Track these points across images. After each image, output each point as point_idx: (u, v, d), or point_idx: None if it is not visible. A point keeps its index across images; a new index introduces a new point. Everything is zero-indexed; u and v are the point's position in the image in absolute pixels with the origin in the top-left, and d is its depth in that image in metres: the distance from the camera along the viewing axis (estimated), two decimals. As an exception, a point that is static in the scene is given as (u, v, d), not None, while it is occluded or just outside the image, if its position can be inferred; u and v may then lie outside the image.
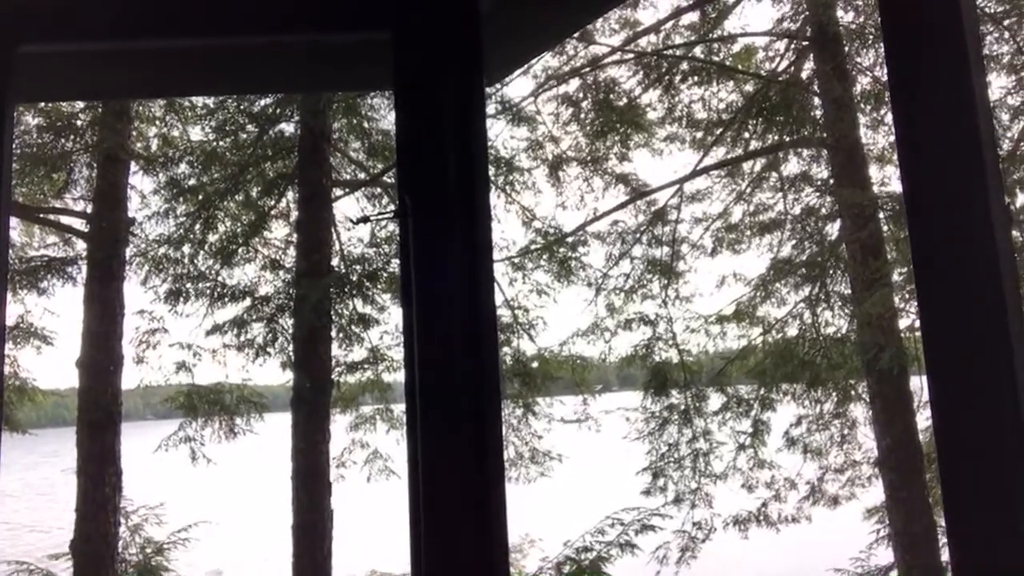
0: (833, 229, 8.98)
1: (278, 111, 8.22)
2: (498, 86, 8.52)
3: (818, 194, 9.06)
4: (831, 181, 8.79)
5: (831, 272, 8.74)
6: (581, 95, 9.18)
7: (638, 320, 9.33)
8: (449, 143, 1.38)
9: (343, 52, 1.58)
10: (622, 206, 9.50)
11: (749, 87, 9.34)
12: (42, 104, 7.57)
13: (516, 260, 9.29)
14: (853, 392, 8.82)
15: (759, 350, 9.12)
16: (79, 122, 8.10)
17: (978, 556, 0.85)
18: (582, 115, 9.23)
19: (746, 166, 9.61)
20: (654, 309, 9.34)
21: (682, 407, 9.03)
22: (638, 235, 9.44)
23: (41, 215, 8.82)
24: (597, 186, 9.46)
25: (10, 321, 8.05)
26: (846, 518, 8.88)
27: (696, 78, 9.20)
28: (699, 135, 9.48)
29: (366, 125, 8.42)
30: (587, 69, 9.25)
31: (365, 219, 9.26)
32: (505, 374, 8.73)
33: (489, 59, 1.48)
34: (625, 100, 9.23)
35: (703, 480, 8.74)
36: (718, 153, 9.52)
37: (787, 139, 9.05)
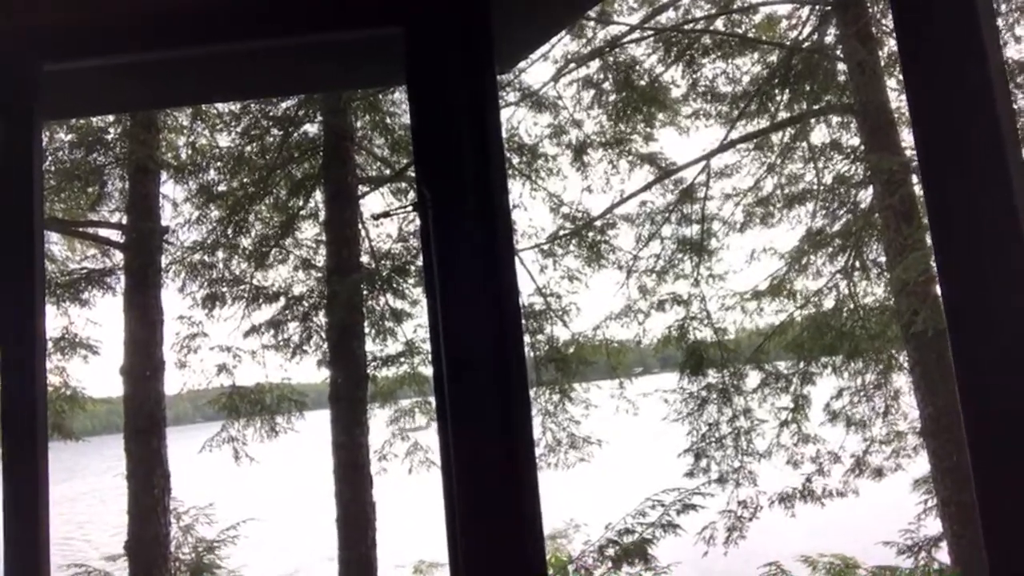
0: (865, 196, 8.82)
1: (301, 113, 8.31)
2: (517, 72, 8.50)
3: (848, 161, 8.89)
4: (861, 147, 8.62)
5: (865, 240, 8.58)
6: (602, 76, 9.10)
7: (671, 300, 9.26)
8: (464, 134, 1.39)
9: (357, 50, 1.60)
10: (649, 186, 9.42)
11: (773, 57, 9.19)
12: (72, 120, 7.74)
13: (545, 247, 9.28)
14: (894, 361, 8.67)
15: (796, 324, 9.00)
16: (109, 136, 8.27)
17: (1007, 523, 0.85)
18: (604, 97, 9.15)
19: (774, 137, 9.46)
20: (687, 289, 9.27)
21: (720, 386, 8.96)
22: (667, 215, 9.36)
23: (79, 229, 9.03)
24: (623, 168, 9.39)
25: (56, 333, 8.28)
26: (893, 490, 8.75)
27: (718, 52, 9.07)
28: (724, 109, 9.35)
29: (388, 121, 8.47)
30: (607, 50, 9.16)
31: (385, 214, 9.34)
32: (540, 361, 8.75)
33: (501, 47, 1.49)
34: (647, 79, 9.13)
35: (745, 459, 8.68)
36: (745, 126, 9.39)
37: (814, 107, 8.89)
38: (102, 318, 8.61)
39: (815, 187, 9.12)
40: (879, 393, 8.82)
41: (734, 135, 9.27)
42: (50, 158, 7.94)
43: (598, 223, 9.42)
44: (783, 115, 9.12)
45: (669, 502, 7.81)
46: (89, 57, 1.47)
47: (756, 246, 9.31)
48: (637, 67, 9.09)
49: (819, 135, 9.27)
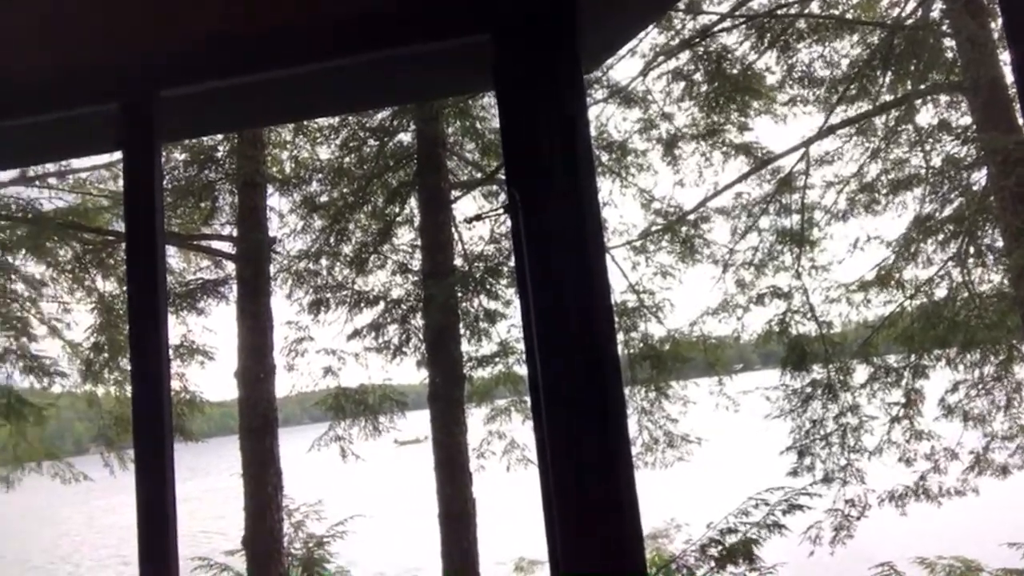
0: (978, 178, 8.29)
1: (395, 123, 8.55)
2: (604, 69, 8.45)
3: (959, 142, 8.37)
4: (973, 127, 8.10)
5: (980, 225, 8.07)
6: (692, 68, 8.92)
7: (771, 294, 9.00)
8: (552, 134, 1.41)
9: (446, 59, 1.64)
10: (745, 177, 9.18)
11: (874, 38, 8.76)
12: (185, 140, 8.22)
13: (637, 244, 9.19)
14: (1015, 352, 8.11)
15: (906, 315, 8.56)
16: (219, 153, 8.74)
17: None
18: (695, 88, 8.97)
19: (877, 121, 9.04)
20: (787, 281, 8.99)
21: (825, 382, 8.63)
22: (764, 205, 9.10)
23: (194, 242, 9.59)
24: (716, 159, 9.18)
25: (175, 340, 8.82)
26: (1020, 488, 8.19)
27: (814, 35, 8.73)
28: (823, 94, 9.00)
29: (478, 126, 8.60)
30: (696, 40, 8.98)
31: (478, 217, 9.46)
32: (634, 358, 8.67)
33: (587, 46, 1.50)
34: (739, 67, 8.89)
35: (853, 456, 8.32)
36: (845, 111, 9.01)
37: (920, 88, 8.42)
38: (217, 325, 9.13)
39: (923, 171, 8.65)
40: (999, 386, 8.27)
41: (834, 120, 8.91)
42: (166, 177, 8.47)
43: (691, 217, 9.26)
44: (886, 97, 8.70)
45: (774, 501, 7.57)
46: (199, 82, 1.58)
47: (861, 235, 8.94)
48: (729, 56, 8.86)
49: (926, 116, 8.80)
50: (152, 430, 1.48)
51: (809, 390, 8.64)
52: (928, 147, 8.67)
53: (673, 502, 9.41)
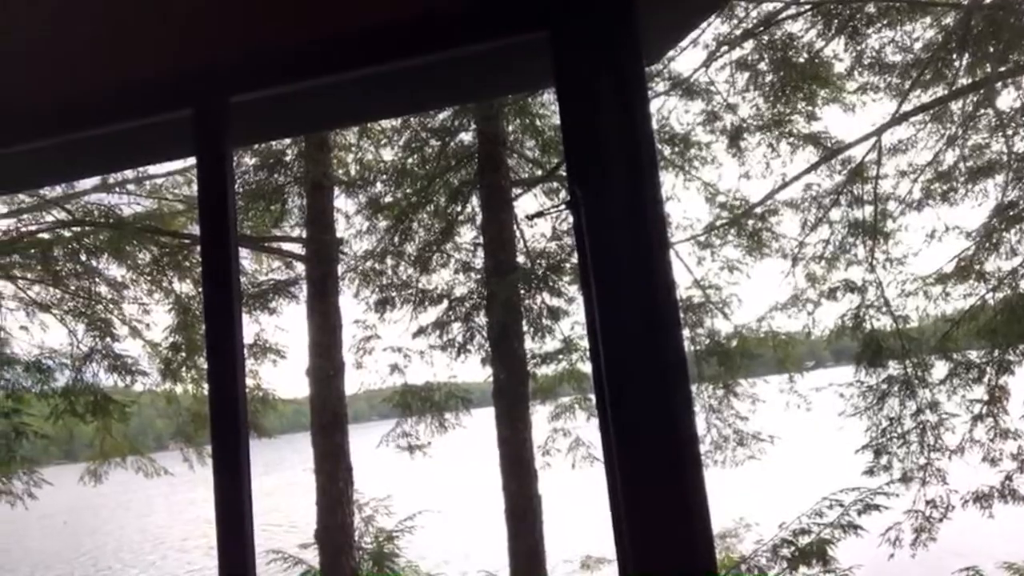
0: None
1: (456, 123, 8.62)
2: (666, 61, 8.33)
3: (1045, 126, 7.95)
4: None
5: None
6: (756, 57, 8.71)
7: (843, 288, 8.73)
8: (613, 129, 1.39)
9: (505, 57, 1.64)
10: (814, 168, 8.92)
11: (948, 19, 8.39)
12: (255, 144, 8.47)
13: (702, 238, 9.04)
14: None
15: (988, 308, 8.17)
16: (287, 157, 8.98)
17: None
18: (760, 78, 8.76)
19: (954, 106, 8.65)
20: (861, 275, 8.71)
21: (903, 378, 8.32)
22: (835, 197, 8.82)
23: (265, 243, 9.88)
24: (784, 150, 8.95)
25: (248, 339, 9.10)
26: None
27: (884, 19, 8.41)
28: (895, 80, 8.66)
29: (538, 123, 8.61)
30: (760, 29, 8.76)
31: (539, 214, 9.46)
32: (700, 355, 8.53)
33: (648, 39, 1.48)
34: (806, 55, 8.64)
35: (933, 455, 7.99)
36: (919, 97, 8.65)
37: (1000, 70, 8.02)
38: (288, 324, 9.39)
39: (1004, 157, 8.24)
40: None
41: (907, 107, 8.57)
42: (238, 181, 8.74)
43: (758, 210, 9.05)
44: (963, 81, 8.31)
45: (849, 501, 7.34)
46: (268, 87, 1.62)
47: (938, 225, 8.58)
48: (795, 44, 8.62)
49: (1007, 99, 8.38)
50: (228, 427, 1.53)
51: (885, 387, 8.35)
52: (1010, 132, 8.25)
53: (743, 502, 9.21)
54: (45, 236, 9.19)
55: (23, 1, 1.40)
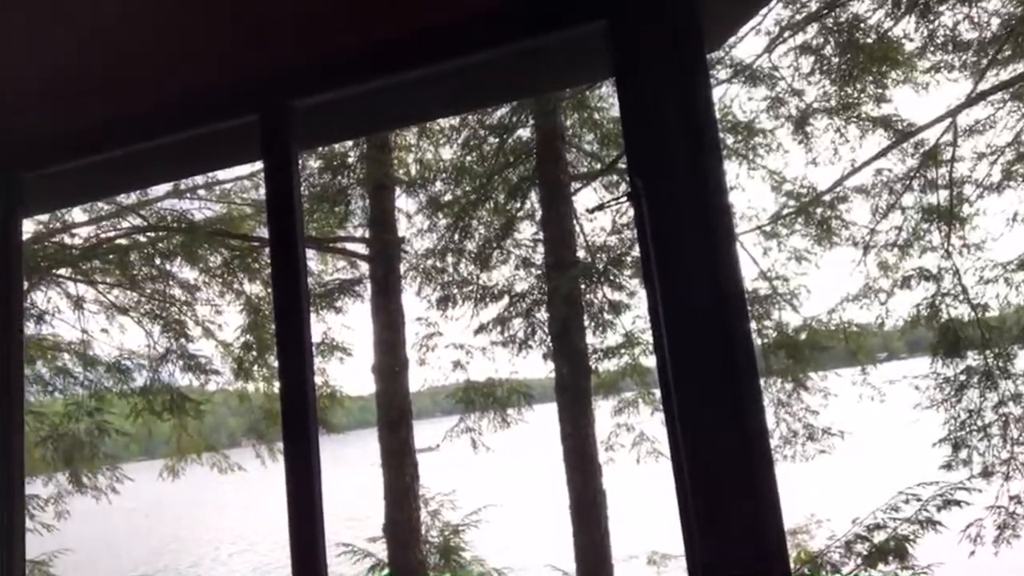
0: None
1: (514, 119, 8.63)
2: (727, 48, 8.16)
3: None
4: None
5: None
6: (822, 41, 8.45)
7: (918, 276, 8.40)
8: (674, 119, 1.37)
9: (562, 50, 1.63)
10: (885, 152, 8.61)
11: (1029, -9, 7.97)
12: (319, 147, 8.66)
13: (768, 228, 8.83)
14: None
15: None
16: (350, 159, 9.15)
17: None
18: (825, 62, 8.49)
19: (1036, 83, 8.21)
20: (936, 262, 8.36)
21: (983, 369, 7.97)
22: (908, 182, 8.50)
23: (331, 244, 10.09)
24: (852, 135, 8.66)
25: (316, 338, 9.32)
26: None
27: (958, -5, 8.05)
28: (970, 59, 8.28)
29: (596, 116, 8.54)
30: (825, 12, 8.49)
31: (600, 207, 9.38)
32: (768, 348, 8.34)
33: (709, 26, 1.45)
34: (874, 36, 8.33)
35: (1017, 449, 7.63)
36: (997, 75, 8.25)
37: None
38: (353, 323, 9.57)
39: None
40: None
41: (984, 86, 8.19)
42: (303, 183, 8.95)
43: (827, 197, 8.79)
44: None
45: (926, 496, 7.07)
46: (331, 90, 1.65)
47: (1020, 209, 8.16)
48: (862, 25, 8.32)
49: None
50: (298, 423, 1.56)
51: (964, 378, 8.01)
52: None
53: (814, 497, 8.97)
54: (122, 242, 9.59)
55: (94, 21, 1.45)
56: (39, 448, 8.78)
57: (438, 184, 9.39)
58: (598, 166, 9.27)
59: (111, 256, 9.44)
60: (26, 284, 8.48)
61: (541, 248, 8.76)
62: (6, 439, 1.84)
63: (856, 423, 8.73)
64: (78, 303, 9.27)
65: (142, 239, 9.60)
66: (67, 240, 9.40)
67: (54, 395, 9.35)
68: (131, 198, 9.33)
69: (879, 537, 7.08)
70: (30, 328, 8.83)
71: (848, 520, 7.53)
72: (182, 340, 9.50)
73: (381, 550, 8.68)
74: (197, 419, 9.81)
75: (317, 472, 1.55)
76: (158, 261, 9.57)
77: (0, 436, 1.83)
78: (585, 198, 9.43)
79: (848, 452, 8.69)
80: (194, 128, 1.76)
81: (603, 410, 8.73)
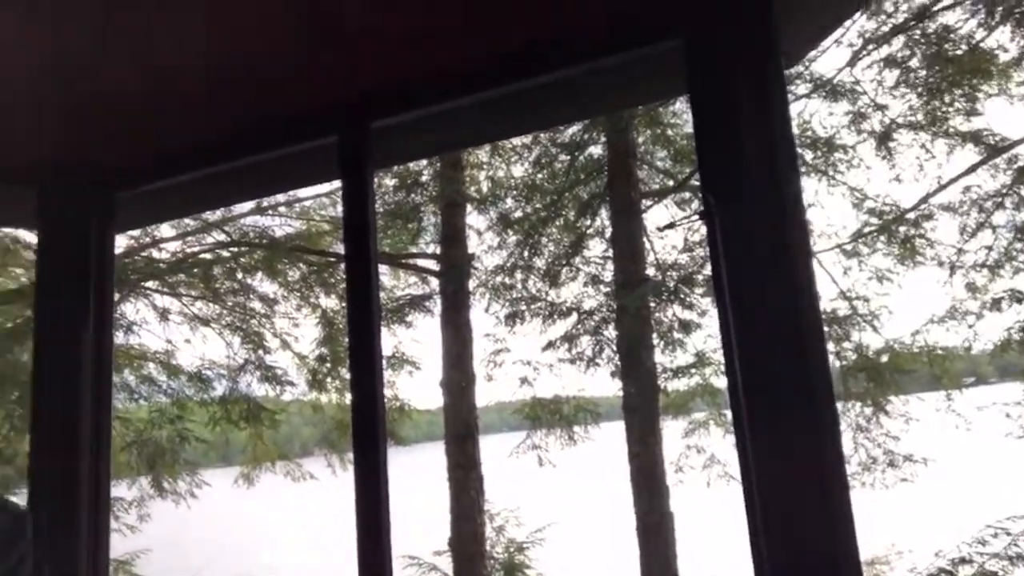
0: None
1: (585, 136, 8.63)
2: (807, 63, 7.98)
3: None
4: None
5: None
6: (908, 53, 8.16)
7: (1010, 298, 7.97)
8: (749, 136, 1.35)
9: (636, 68, 1.63)
10: (975, 168, 8.22)
11: None
12: (395, 166, 8.85)
13: (848, 247, 8.55)
14: None
15: None
16: (423, 177, 9.32)
17: None
18: (911, 75, 8.19)
19: None
20: (1029, 284, 7.92)
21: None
22: (1000, 199, 8.10)
23: (403, 260, 10.29)
24: (939, 150, 8.31)
25: (387, 351, 9.49)
26: None
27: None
28: (1070, 69, 7.87)
29: (669, 133, 8.46)
30: (912, 24, 8.20)
31: (671, 225, 9.28)
32: (847, 370, 8.05)
33: (786, 42, 1.43)
34: (965, 47, 7.99)
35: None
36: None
37: None
38: (422, 337, 9.71)
39: None
40: None
41: (1085, 97, 7.75)
42: (378, 201, 9.16)
43: (911, 215, 8.44)
44: None
45: (1018, 531, 6.67)
46: (406, 111, 1.69)
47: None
48: (951, 36, 8.00)
49: None
50: (368, 434, 1.60)
51: (1061, 407, 7.55)
52: None
53: (894, 527, 8.58)
54: (207, 256, 10.00)
55: (183, 51, 1.53)
56: (124, 453, 9.18)
57: (508, 201, 9.48)
58: (670, 183, 9.18)
59: (195, 270, 9.85)
60: (117, 295, 8.92)
61: (611, 265, 8.71)
62: (96, 443, 1.94)
63: (940, 450, 8.32)
64: (164, 314, 9.70)
65: (225, 254, 9.99)
66: (155, 254, 9.86)
67: (139, 402, 9.78)
68: (216, 215, 9.73)
69: (965, 572, 6.71)
70: (119, 338, 9.26)
71: (931, 552, 7.17)
72: (260, 351, 9.82)
73: (446, 563, 8.71)
74: (272, 428, 10.09)
75: (385, 482, 1.58)
76: (240, 275, 9.94)
77: (91, 440, 1.93)
78: (656, 215, 9.34)
79: (932, 481, 8.28)
80: (275, 149, 1.83)
81: (672, 431, 8.57)
